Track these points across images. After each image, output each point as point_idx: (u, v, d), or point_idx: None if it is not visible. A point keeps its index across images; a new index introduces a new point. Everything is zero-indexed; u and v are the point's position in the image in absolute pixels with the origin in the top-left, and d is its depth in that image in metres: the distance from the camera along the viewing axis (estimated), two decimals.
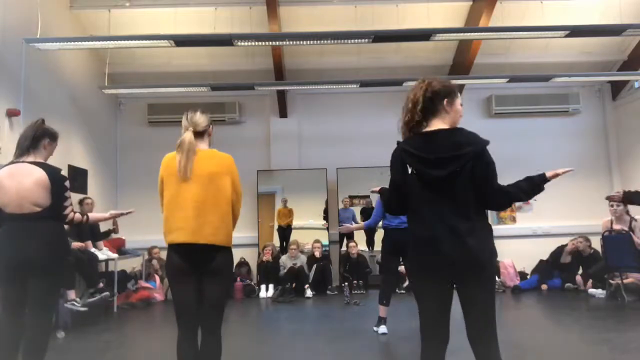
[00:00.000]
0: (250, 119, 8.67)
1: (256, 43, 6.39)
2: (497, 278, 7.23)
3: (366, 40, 5.93)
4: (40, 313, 2.72)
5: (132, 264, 7.45)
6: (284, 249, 8.08)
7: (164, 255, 7.31)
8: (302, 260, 7.58)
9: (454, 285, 2.06)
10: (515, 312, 5.89)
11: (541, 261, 7.59)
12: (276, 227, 8.37)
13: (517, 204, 8.47)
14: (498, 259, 7.67)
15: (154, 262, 7.39)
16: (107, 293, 5.61)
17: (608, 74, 8.13)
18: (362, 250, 7.90)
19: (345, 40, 6.06)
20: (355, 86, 7.58)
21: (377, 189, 2.83)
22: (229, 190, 2.52)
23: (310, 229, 8.27)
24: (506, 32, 6.29)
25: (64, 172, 2.90)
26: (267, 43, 6.71)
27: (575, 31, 5.98)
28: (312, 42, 6.26)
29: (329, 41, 6.16)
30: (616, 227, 6.06)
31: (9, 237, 2.69)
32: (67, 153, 6.66)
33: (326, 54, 8.20)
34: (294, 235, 8.21)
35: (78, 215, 2.89)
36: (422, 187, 2.05)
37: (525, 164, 8.13)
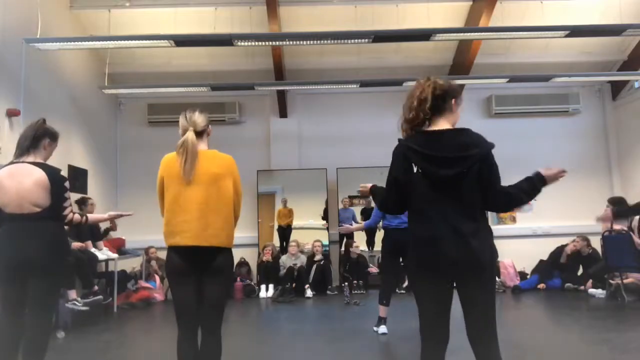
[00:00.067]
0: (250, 119, 8.67)
1: (256, 43, 6.39)
2: (497, 278, 7.23)
3: (366, 40, 5.93)
4: (40, 313, 2.72)
5: (132, 264, 7.44)
6: (284, 249, 8.08)
7: (161, 254, 7.36)
8: (302, 260, 7.58)
9: (454, 285, 2.06)
10: (515, 312, 5.89)
11: (541, 261, 7.59)
12: (276, 227, 8.36)
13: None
14: (498, 259, 7.69)
15: (152, 262, 7.39)
16: (100, 297, 5.59)
17: (608, 74, 8.13)
18: (362, 250, 7.90)
19: (345, 40, 6.06)
20: (355, 86, 7.58)
21: (367, 188, 2.49)
22: (230, 192, 2.51)
23: (310, 229, 8.27)
24: (506, 32, 6.30)
25: (64, 173, 2.89)
26: (267, 43, 6.71)
27: (575, 31, 5.99)
28: (312, 42, 6.26)
29: (329, 41, 6.16)
30: (616, 227, 6.06)
31: (9, 237, 2.69)
32: (67, 153, 6.66)
33: (326, 54, 8.20)
34: (294, 235, 8.20)
35: (77, 216, 2.89)
36: (427, 186, 2.02)
37: (525, 164, 8.10)
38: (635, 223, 6.05)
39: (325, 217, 8.33)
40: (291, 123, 8.56)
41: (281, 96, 8.36)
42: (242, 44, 6.08)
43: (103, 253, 6.01)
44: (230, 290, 7.01)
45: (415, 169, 2.04)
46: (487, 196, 2.03)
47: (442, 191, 2.01)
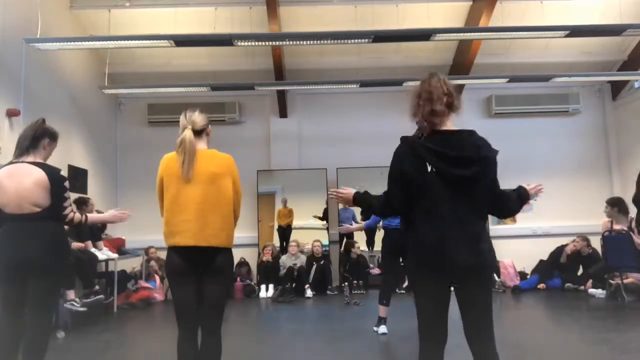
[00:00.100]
0: (250, 119, 8.67)
1: (256, 43, 6.39)
2: (497, 278, 7.23)
3: (366, 40, 5.93)
4: (40, 313, 2.71)
5: (132, 264, 7.44)
6: (284, 249, 8.08)
7: (161, 254, 7.36)
8: (302, 260, 7.58)
9: (454, 285, 2.06)
10: (515, 312, 5.89)
11: (541, 261, 7.59)
12: (276, 227, 8.37)
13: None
14: (498, 259, 7.71)
15: (152, 263, 7.38)
16: (102, 296, 5.59)
17: (608, 74, 8.13)
18: (362, 250, 7.90)
19: (345, 40, 6.06)
20: (355, 86, 7.58)
21: (349, 195, 2.26)
22: (230, 191, 2.51)
23: (310, 229, 8.27)
24: (506, 32, 6.30)
25: (64, 172, 2.89)
26: (267, 43, 6.71)
27: (575, 31, 5.99)
28: (312, 42, 6.26)
29: (329, 41, 6.16)
30: (616, 227, 6.06)
31: (9, 237, 2.69)
32: (67, 153, 6.66)
33: (326, 54, 8.20)
34: (294, 235, 8.21)
35: (77, 215, 2.89)
36: (441, 186, 1.98)
37: (525, 164, 8.24)
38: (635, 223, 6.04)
39: (324, 217, 8.32)
40: (291, 123, 8.56)
41: (281, 96, 8.36)
42: (242, 44, 6.08)
43: (103, 253, 6.01)
44: (230, 290, 7.01)
45: (429, 168, 2.00)
46: (489, 199, 2.06)
47: (455, 191, 1.98)
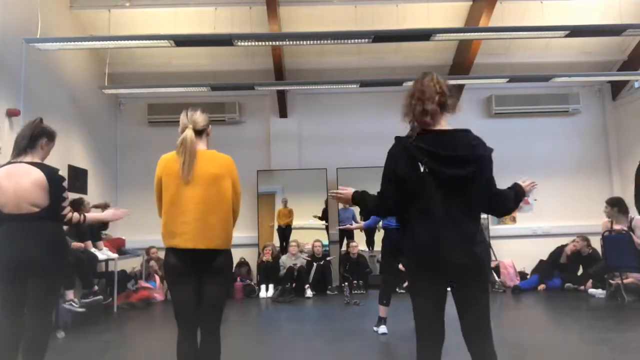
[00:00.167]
0: (250, 119, 8.67)
1: (256, 43, 6.39)
2: (497, 278, 7.23)
3: (366, 40, 5.93)
4: (40, 313, 2.72)
5: (132, 264, 7.44)
6: (284, 249, 8.08)
7: (161, 255, 7.35)
8: (302, 260, 7.58)
9: (452, 285, 2.06)
10: (515, 312, 5.89)
11: (541, 261, 7.59)
12: (276, 227, 8.37)
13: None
14: (498, 259, 7.69)
15: (152, 263, 7.38)
16: (100, 297, 5.58)
17: (608, 74, 8.13)
18: (362, 250, 7.90)
19: (345, 40, 6.06)
20: (355, 86, 7.58)
21: (348, 194, 2.26)
22: (229, 193, 2.50)
23: (310, 229, 8.27)
24: (506, 32, 6.30)
25: (63, 172, 2.89)
26: (267, 43, 6.71)
27: (575, 31, 5.99)
28: (312, 42, 6.26)
29: (329, 41, 6.16)
30: (616, 227, 6.06)
31: (9, 237, 2.69)
32: (67, 153, 6.67)
33: (326, 54, 8.20)
34: (294, 235, 8.20)
35: (76, 215, 2.88)
36: (434, 186, 1.98)
37: (525, 164, 8.24)
38: (635, 223, 6.04)
39: (323, 217, 8.32)
40: (291, 123, 8.56)
41: (281, 96, 8.36)
42: (242, 44, 6.08)
43: (103, 253, 6.01)
44: (230, 290, 7.01)
45: (422, 169, 1.99)
46: (486, 198, 2.06)
47: (449, 191, 1.98)
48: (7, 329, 2.67)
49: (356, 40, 6.06)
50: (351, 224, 5.80)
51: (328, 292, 7.39)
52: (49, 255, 2.71)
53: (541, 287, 7.16)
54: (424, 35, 6.07)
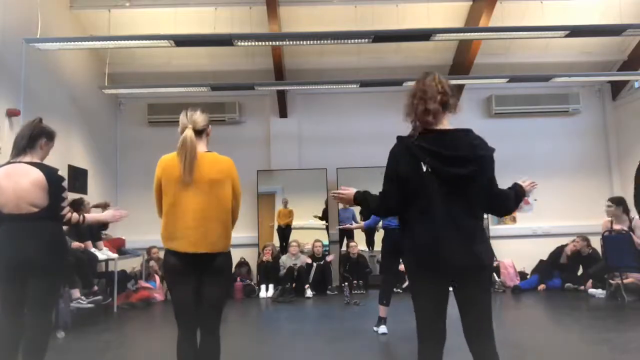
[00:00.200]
0: (250, 119, 8.67)
1: (256, 43, 6.39)
2: (497, 278, 7.23)
3: (366, 40, 5.93)
4: (40, 313, 2.72)
5: (132, 264, 7.44)
6: (284, 249, 8.08)
7: (162, 255, 7.36)
8: (302, 260, 7.58)
9: (453, 285, 2.05)
10: (515, 312, 5.89)
11: (541, 261, 7.59)
12: (276, 227, 8.37)
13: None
14: (498, 259, 7.68)
15: (152, 263, 7.38)
16: (100, 297, 5.58)
17: (608, 74, 8.13)
18: (362, 250, 7.90)
19: (345, 40, 6.06)
20: (355, 86, 7.58)
21: (349, 194, 2.26)
22: (229, 197, 2.50)
23: (310, 229, 8.27)
24: (506, 32, 6.29)
25: (62, 172, 2.89)
26: (267, 43, 6.71)
27: (575, 31, 5.99)
28: (312, 42, 6.26)
29: (329, 41, 6.16)
30: (616, 227, 6.06)
31: (9, 238, 2.69)
32: (67, 153, 6.67)
33: (326, 54, 8.20)
34: (294, 235, 8.20)
35: (75, 215, 2.88)
36: (435, 185, 1.98)
37: (525, 164, 8.24)
38: (635, 223, 6.05)
39: (323, 217, 8.32)
40: (291, 123, 8.56)
41: (281, 96, 8.36)
42: (242, 44, 6.08)
43: (103, 253, 6.01)
44: (230, 290, 7.01)
45: (425, 168, 1.99)
46: (487, 197, 2.05)
47: (451, 191, 1.98)
48: (7, 329, 2.67)
49: (356, 40, 6.06)
50: (351, 224, 5.80)
51: (328, 292, 7.39)
52: (49, 255, 2.71)
53: (541, 287, 7.16)
54: (424, 35, 6.07)
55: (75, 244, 5.49)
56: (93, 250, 5.85)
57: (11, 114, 5.42)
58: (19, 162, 2.77)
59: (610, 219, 6.22)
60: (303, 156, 8.54)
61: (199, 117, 2.54)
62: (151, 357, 4.21)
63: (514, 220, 8.52)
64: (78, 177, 6.98)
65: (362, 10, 7.08)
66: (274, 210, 8.43)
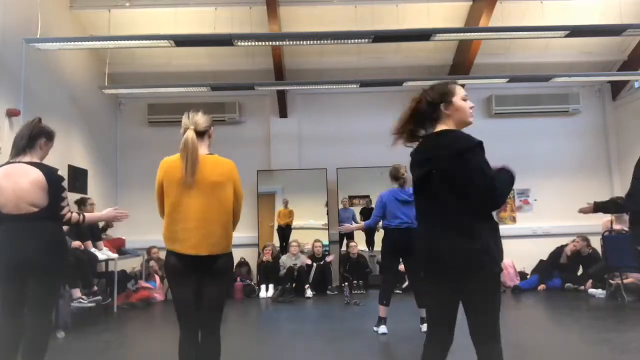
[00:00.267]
0: (250, 119, 8.67)
1: (256, 43, 6.39)
2: None
3: (366, 40, 5.93)
4: (40, 313, 2.72)
5: (132, 264, 7.44)
6: (284, 249, 8.08)
7: (163, 255, 7.35)
8: (302, 260, 7.58)
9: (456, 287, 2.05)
10: (515, 312, 5.89)
11: (541, 261, 7.59)
12: (276, 227, 8.37)
13: (517, 203, 8.48)
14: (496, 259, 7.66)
15: (152, 263, 7.38)
16: (99, 297, 5.58)
17: (608, 74, 8.13)
18: (362, 250, 7.90)
19: (345, 40, 6.06)
20: (355, 86, 7.57)
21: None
22: (231, 199, 2.51)
23: (310, 229, 8.27)
24: (506, 32, 6.29)
25: (63, 172, 2.89)
26: (267, 43, 6.71)
27: (575, 31, 5.98)
28: (312, 42, 6.26)
29: (329, 41, 6.16)
30: (616, 227, 6.06)
31: (8, 237, 2.69)
32: (67, 153, 6.66)
33: (326, 54, 8.20)
34: (294, 235, 8.21)
35: (75, 215, 2.88)
36: (425, 190, 2.11)
37: (525, 164, 8.24)
38: None
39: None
40: (291, 123, 8.55)
41: (281, 96, 8.35)
42: (242, 44, 6.08)
43: (103, 253, 6.01)
44: (230, 290, 7.01)
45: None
46: (468, 194, 1.96)
47: (423, 193, 2.11)
48: (7, 329, 2.67)
49: (356, 40, 6.06)
50: (351, 224, 5.79)
51: (328, 292, 7.40)
52: (49, 255, 2.71)
53: (541, 287, 7.17)
54: (424, 35, 6.07)
55: (75, 244, 5.49)
56: (93, 250, 5.85)
57: (11, 114, 5.42)
58: (19, 162, 2.77)
59: (610, 218, 6.22)
60: (303, 156, 8.54)
61: (201, 119, 2.54)
62: (151, 357, 4.21)
63: (514, 220, 8.52)
64: (78, 177, 6.98)
65: (362, 10, 7.07)
66: (274, 210, 8.43)
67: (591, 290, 6.51)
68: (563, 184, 8.27)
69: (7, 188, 2.69)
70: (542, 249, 7.68)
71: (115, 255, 6.35)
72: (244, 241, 7.75)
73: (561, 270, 7.26)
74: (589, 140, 8.68)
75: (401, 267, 5.04)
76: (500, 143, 8.47)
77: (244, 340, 4.68)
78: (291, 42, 6.62)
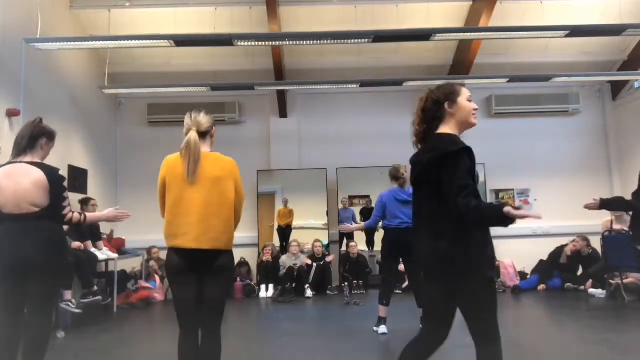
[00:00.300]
0: (250, 119, 8.67)
1: (256, 43, 6.38)
2: (496, 278, 7.23)
3: (366, 40, 5.93)
4: (40, 313, 2.72)
5: (132, 264, 7.44)
6: (284, 249, 8.08)
7: (163, 255, 7.34)
8: (302, 260, 7.58)
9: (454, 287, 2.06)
10: (515, 312, 5.89)
11: (541, 261, 7.59)
12: (276, 227, 8.37)
13: (517, 203, 8.48)
14: (498, 259, 7.69)
15: (152, 263, 7.38)
16: (99, 297, 5.56)
17: (608, 74, 8.13)
18: (362, 250, 7.90)
19: (345, 40, 6.06)
20: (355, 86, 7.57)
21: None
22: (232, 195, 2.52)
23: (310, 229, 8.27)
24: (506, 32, 6.29)
25: (63, 172, 2.89)
26: (267, 43, 6.71)
27: (575, 31, 5.99)
28: (312, 42, 6.25)
29: (329, 41, 6.16)
30: (616, 227, 6.06)
31: (8, 237, 2.69)
32: (67, 153, 6.66)
33: (326, 54, 8.20)
34: (294, 235, 8.21)
35: (76, 215, 2.88)
36: (414, 191, 2.23)
37: (525, 164, 8.25)
38: None
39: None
40: (291, 123, 8.55)
41: (281, 96, 8.35)
42: (242, 44, 6.08)
43: (103, 253, 6.01)
44: (230, 290, 7.01)
45: None
46: (448, 202, 1.93)
47: (415, 195, 2.21)
48: (7, 329, 2.67)
49: (356, 40, 6.06)
50: (351, 224, 5.79)
51: (328, 292, 7.39)
52: (49, 255, 2.71)
53: (541, 287, 7.17)
54: (424, 35, 6.07)
55: (75, 244, 5.48)
56: (93, 250, 5.85)
57: (11, 114, 5.42)
58: (20, 162, 2.78)
59: (610, 218, 6.22)
60: (303, 156, 8.54)
61: (203, 119, 2.55)
62: (151, 357, 4.21)
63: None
64: (78, 177, 6.98)
65: (362, 10, 7.07)
66: (274, 210, 8.43)
67: (591, 290, 6.51)
68: (563, 184, 8.27)
69: (8, 188, 2.69)
70: (542, 249, 7.68)
71: (115, 255, 6.35)
72: (244, 241, 7.74)
73: (561, 270, 7.26)
74: (589, 140, 8.68)
75: (401, 267, 5.04)
76: (500, 143, 8.51)
77: (244, 340, 4.68)
78: (291, 42, 6.62)
